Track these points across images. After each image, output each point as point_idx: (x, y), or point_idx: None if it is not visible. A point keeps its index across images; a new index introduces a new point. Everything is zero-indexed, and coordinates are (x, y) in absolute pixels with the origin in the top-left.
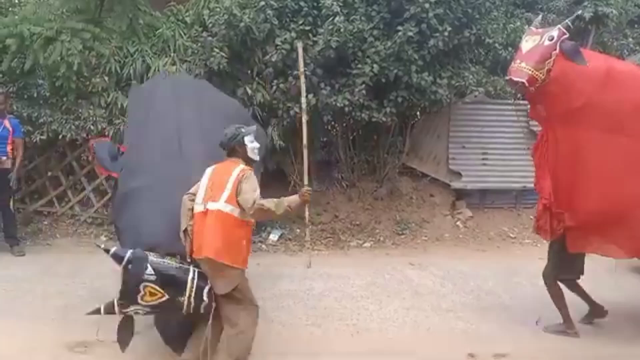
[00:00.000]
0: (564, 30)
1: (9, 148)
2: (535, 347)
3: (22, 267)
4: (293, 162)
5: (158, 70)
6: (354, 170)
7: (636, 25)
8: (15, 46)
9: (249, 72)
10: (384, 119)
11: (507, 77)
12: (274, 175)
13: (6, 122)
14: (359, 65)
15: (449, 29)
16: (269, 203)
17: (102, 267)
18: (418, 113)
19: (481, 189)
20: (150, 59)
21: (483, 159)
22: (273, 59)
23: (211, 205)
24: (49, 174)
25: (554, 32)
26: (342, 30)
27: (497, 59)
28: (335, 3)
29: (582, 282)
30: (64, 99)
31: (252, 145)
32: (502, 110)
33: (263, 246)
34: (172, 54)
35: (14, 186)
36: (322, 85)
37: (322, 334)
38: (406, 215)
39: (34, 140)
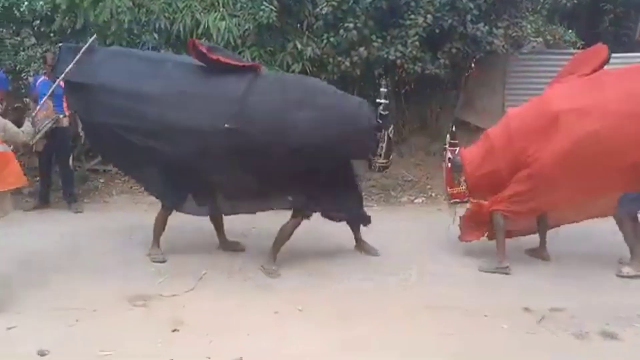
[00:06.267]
0: (448, 148)
1: (65, 106)
2: (589, 302)
3: (80, 224)
4: None
5: (207, 26)
6: (405, 125)
7: None
8: (66, 5)
9: (299, 25)
10: (437, 71)
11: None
12: None
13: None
14: (412, 16)
15: None
16: None
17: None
18: (473, 65)
19: None
20: (200, 14)
21: None
22: (323, 12)
23: None
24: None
25: (449, 155)
26: None
27: (555, 6)
28: None
29: None
30: None
31: None
32: (561, 61)
33: None
34: (221, 9)
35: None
36: (374, 37)
37: (375, 288)
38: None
39: None
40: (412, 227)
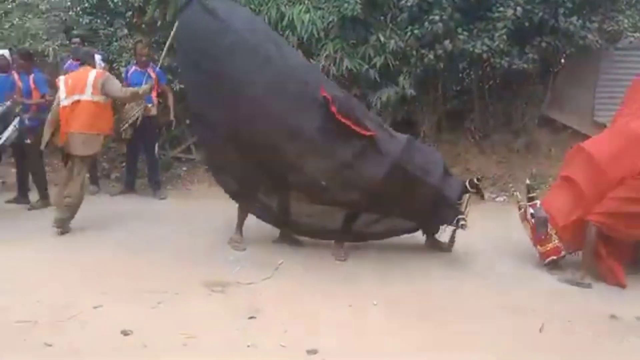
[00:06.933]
0: (528, 205)
1: (154, 95)
2: None
3: (164, 211)
4: (424, 112)
5: (291, 18)
6: (488, 121)
7: None
8: None
9: (383, 18)
10: (525, 66)
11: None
12: (402, 125)
13: (150, 71)
14: (501, 9)
15: None
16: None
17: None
18: (562, 60)
19: None
20: (285, 7)
21: None
22: (408, 4)
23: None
24: (187, 121)
25: (531, 211)
26: None
27: None
28: None
29: None
30: None
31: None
32: None
33: None
34: (306, 2)
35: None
36: (460, 30)
37: (452, 286)
38: (543, 170)
39: (174, 89)
40: (492, 226)
